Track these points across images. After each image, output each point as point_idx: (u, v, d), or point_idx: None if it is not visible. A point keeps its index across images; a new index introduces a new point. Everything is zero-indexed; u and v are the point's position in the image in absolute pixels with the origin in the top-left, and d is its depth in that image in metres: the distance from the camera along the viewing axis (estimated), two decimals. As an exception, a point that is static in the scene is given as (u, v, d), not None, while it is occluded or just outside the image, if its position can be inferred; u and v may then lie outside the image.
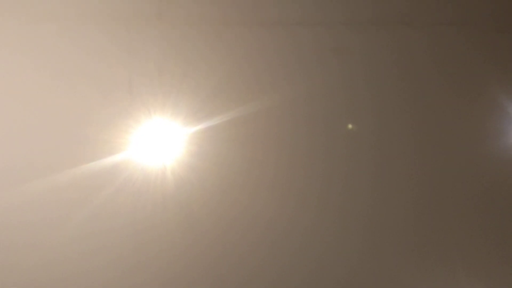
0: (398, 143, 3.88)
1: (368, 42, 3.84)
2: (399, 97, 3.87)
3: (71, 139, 3.61)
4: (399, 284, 3.86)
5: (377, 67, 3.86)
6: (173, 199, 3.69)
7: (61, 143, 3.62)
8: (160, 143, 3.69)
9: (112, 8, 3.65)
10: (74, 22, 3.63)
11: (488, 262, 3.88)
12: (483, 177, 3.91)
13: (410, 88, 3.88)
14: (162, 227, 3.71)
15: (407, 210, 3.88)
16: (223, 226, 3.76)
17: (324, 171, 3.84)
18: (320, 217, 3.83)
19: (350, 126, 3.85)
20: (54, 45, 3.62)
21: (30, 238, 3.63)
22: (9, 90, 3.60)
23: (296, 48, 3.81)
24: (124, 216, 3.67)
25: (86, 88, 3.63)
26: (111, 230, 3.68)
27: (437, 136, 3.89)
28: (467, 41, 3.89)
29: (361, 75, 3.85)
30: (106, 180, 3.63)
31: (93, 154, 3.61)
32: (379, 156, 3.88)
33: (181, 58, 3.71)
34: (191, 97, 3.70)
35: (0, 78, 3.59)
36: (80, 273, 3.66)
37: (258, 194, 3.78)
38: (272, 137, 3.80)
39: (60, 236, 3.64)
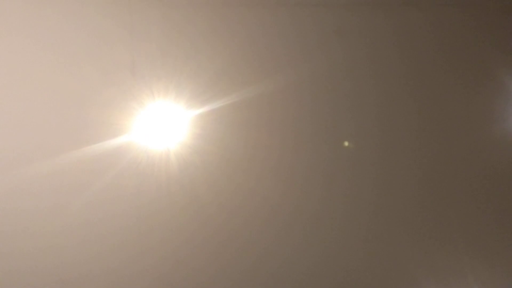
0: (403, 127, 3.85)
1: (371, 24, 3.82)
2: (402, 79, 3.85)
3: (73, 121, 3.56)
4: (403, 270, 3.81)
5: (380, 48, 3.83)
6: (177, 182, 3.63)
7: (63, 125, 3.57)
8: (163, 125, 3.65)
9: (114, -10, 3.63)
10: (77, 4, 3.59)
11: (492, 251, 3.86)
12: (488, 162, 3.87)
13: (413, 69, 3.85)
14: (166, 212, 3.65)
15: (411, 197, 3.84)
16: (228, 210, 3.71)
17: (329, 154, 3.80)
18: (325, 201, 3.79)
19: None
20: (57, 27, 3.58)
21: (30, 223, 3.56)
22: (11, 72, 3.55)
23: (299, 29, 3.78)
24: (127, 200, 3.61)
25: (89, 71, 3.59)
26: (114, 215, 3.62)
27: (441, 118, 3.87)
28: (471, 22, 3.87)
29: (364, 56, 3.82)
30: (109, 162, 3.58)
31: (95, 137, 3.56)
32: (383, 140, 3.84)
33: (184, 40, 3.68)
34: (194, 79, 3.67)
35: (2, 60, 3.54)
36: (83, 259, 3.60)
37: (262, 177, 3.73)
38: (276, 120, 3.76)
39: (62, 221, 3.58)
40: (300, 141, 3.78)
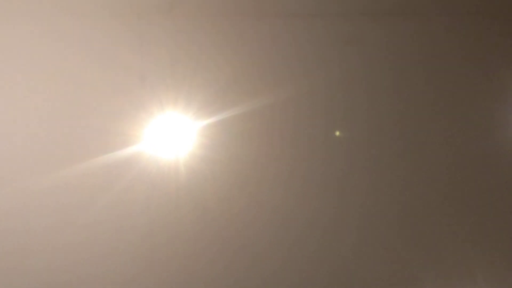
0: (416, 134, 3.84)
1: (386, 33, 3.80)
2: (417, 87, 3.83)
3: (83, 131, 3.57)
4: (406, 272, 3.79)
5: (393, 57, 3.81)
6: (186, 191, 3.63)
7: (73, 135, 3.57)
8: (173, 135, 3.64)
9: (124, 0, 3.62)
10: (87, 15, 3.60)
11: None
12: (489, 169, 3.86)
13: (430, 76, 3.83)
14: (175, 222, 3.64)
15: (415, 199, 3.83)
16: (238, 221, 3.70)
17: (342, 163, 3.78)
18: (338, 211, 3.76)
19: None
20: (68, 37, 3.59)
21: (36, 240, 3.56)
22: (22, 83, 3.56)
23: (311, 39, 3.76)
24: (137, 209, 3.61)
25: (98, 81, 3.59)
26: (124, 229, 3.61)
27: (441, 125, 3.85)
28: (476, 31, 3.86)
29: (376, 65, 3.80)
30: (119, 172, 3.58)
31: (105, 147, 3.56)
32: (396, 148, 3.83)
33: (193, 50, 3.67)
34: (204, 89, 3.66)
35: (16, 69, 3.54)
36: (92, 264, 3.61)
37: (273, 187, 3.72)
38: (286, 130, 3.75)
39: (73, 230, 3.58)
40: (312, 151, 3.76)
